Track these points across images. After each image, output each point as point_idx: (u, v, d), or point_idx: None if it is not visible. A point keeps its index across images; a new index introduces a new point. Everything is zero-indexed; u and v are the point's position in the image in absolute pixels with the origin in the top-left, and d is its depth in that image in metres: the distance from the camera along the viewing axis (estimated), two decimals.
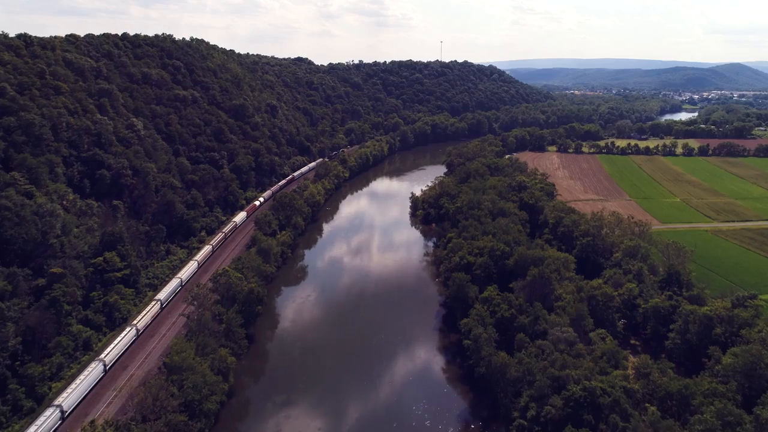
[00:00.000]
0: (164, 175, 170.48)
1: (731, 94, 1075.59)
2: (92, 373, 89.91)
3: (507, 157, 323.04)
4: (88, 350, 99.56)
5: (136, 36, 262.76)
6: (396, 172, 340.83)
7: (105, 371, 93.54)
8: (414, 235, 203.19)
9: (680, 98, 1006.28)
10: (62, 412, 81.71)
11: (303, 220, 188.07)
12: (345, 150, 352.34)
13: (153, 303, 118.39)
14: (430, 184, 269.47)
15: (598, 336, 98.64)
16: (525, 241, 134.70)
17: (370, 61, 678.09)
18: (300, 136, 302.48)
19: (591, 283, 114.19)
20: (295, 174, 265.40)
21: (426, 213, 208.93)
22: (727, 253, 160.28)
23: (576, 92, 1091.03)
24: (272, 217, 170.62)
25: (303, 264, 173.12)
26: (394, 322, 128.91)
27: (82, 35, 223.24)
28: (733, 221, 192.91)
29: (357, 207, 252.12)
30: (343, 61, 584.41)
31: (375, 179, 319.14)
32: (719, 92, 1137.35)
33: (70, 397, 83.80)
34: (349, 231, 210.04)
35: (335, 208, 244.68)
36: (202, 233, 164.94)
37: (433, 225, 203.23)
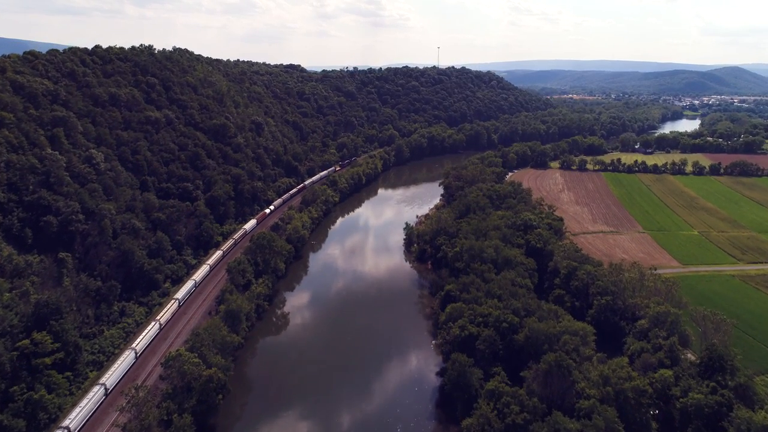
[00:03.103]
0: (125, 216, 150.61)
1: (731, 99, 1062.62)
2: None
3: (509, 177, 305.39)
4: None
5: (109, 49, 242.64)
6: (390, 192, 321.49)
7: None
8: (408, 276, 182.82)
9: (680, 104, 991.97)
10: None
11: (284, 262, 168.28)
12: (357, 159, 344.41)
13: (96, 388, 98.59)
14: (426, 211, 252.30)
15: None
16: (535, 306, 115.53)
17: (365, 68, 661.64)
18: (287, 155, 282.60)
19: (618, 371, 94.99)
20: (306, 183, 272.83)
21: (422, 250, 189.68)
22: (762, 307, 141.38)
23: (575, 96, 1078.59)
24: (247, 264, 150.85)
25: (282, 315, 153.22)
26: (384, 410, 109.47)
27: (44, 52, 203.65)
28: (761, 263, 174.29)
29: (346, 238, 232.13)
30: (340, 64, 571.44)
31: (368, 200, 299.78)
32: (719, 97, 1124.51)
33: None
34: (336, 271, 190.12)
35: (322, 239, 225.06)
36: (167, 284, 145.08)
37: (429, 264, 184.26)
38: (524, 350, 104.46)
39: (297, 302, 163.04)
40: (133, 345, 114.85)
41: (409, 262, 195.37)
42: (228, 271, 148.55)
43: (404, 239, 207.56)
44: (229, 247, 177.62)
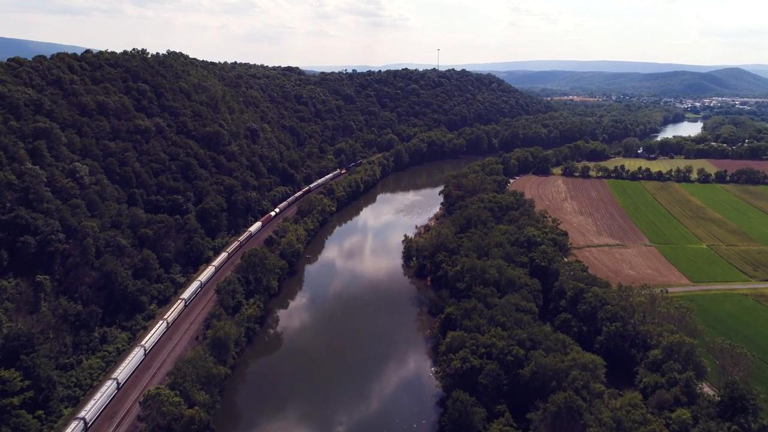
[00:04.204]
0: (110, 233, 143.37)
1: (733, 101, 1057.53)
2: None
3: (511, 184, 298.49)
4: None
5: (99, 54, 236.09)
6: (389, 200, 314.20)
7: None
8: (407, 293, 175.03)
9: (682, 106, 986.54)
10: None
11: (277, 279, 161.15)
12: (363, 161, 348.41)
13: (109, 383, 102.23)
14: (425, 221, 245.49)
15: None
16: (541, 336, 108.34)
17: (365, 68, 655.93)
18: (283, 162, 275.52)
19: (632, 412, 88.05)
20: (312, 186, 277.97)
21: (421, 265, 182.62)
22: None
23: (575, 98, 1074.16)
24: (237, 283, 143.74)
25: (275, 336, 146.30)
26: None
27: (30, 59, 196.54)
28: None
29: (343, 251, 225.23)
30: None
31: (366, 208, 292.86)
32: (720, 99, 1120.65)
33: None
34: (332, 287, 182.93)
35: (319, 251, 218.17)
36: (152, 306, 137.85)
37: (429, 280, 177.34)
38: (530, 386, 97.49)
39: (290, 322, 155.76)
40: (143, 342, 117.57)
41: (408, 277, 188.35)
42: (217, 292, 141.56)
43: (403, 252, 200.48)
44: (234, 248, 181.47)
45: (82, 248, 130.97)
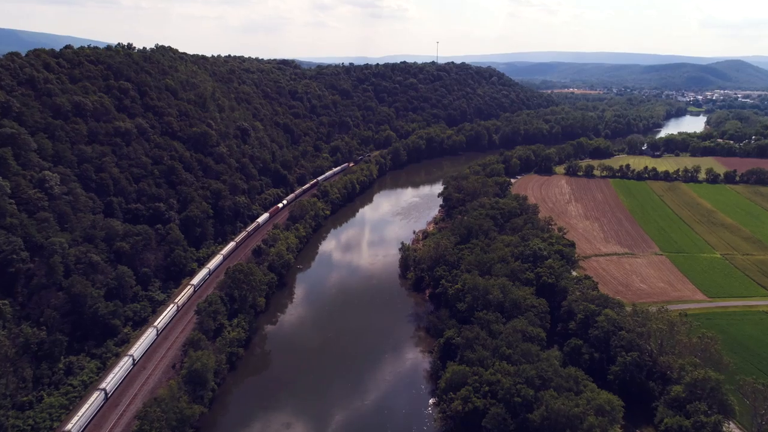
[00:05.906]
0: (81, 248, 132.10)
1: (735, 94, 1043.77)
2: None
3: (512, 186, 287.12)
4: None
5: (79, 50, 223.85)
6: (385, 201, 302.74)
7: None
8: (403, 308, 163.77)
9: (684, 99, 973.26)
10: None
11: (264, 296, 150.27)
12: (371, 155, 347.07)
13: (125, 359, 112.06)
14: (424, 225, 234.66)
15: None
16: (552, 372, 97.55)
17: (363, 60, 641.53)
18: (276, 162, 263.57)
19: None
20: (319, 179, 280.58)
21: (418, 277, 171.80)
22: None
23: (576, 91, 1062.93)
24: (220, 303, 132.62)
25: (262, 356, 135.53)
26: None
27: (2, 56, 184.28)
28: None
29: (336, 258, 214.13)
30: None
31: (361, 210, 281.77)
32: (722, 92, 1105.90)
33: None
34: (324, 300, 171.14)
35: (311, 258, 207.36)
36: (126, 329, 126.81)
37: (427, 294, 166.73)
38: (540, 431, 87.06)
39: (278, 343, 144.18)
40: (155, 323, 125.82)
41: (405, 289, 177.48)
42: (197, 313, 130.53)
43: (400, 260, 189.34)
44: (243, 238, 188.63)
45: (49, 267, 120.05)
